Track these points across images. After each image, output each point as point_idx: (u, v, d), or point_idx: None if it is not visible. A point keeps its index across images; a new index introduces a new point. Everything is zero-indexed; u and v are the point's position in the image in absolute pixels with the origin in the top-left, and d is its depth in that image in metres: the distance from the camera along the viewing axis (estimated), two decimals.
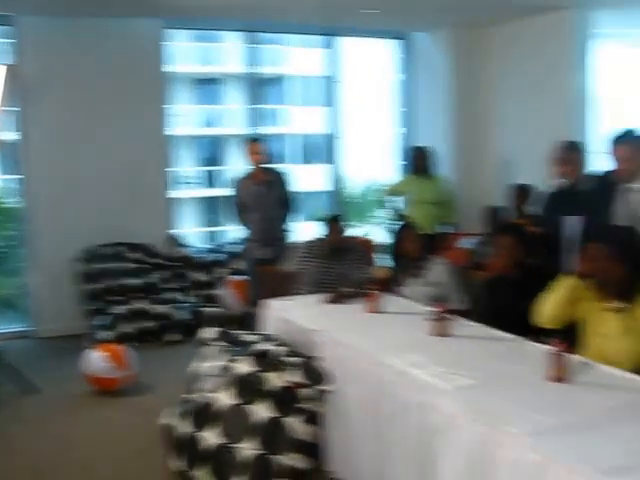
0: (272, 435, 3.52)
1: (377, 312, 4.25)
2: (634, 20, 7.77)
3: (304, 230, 7.07)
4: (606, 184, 4.26)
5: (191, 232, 12.15)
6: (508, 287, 4.09)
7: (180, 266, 7.28)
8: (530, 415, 2.61)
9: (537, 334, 3.55)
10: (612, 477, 2.13)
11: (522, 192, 6.48)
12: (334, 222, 5.14)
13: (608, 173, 4.30)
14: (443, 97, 8.15)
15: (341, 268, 4.87)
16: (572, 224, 4.40)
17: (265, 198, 6.30)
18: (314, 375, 3.66)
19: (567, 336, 3.33)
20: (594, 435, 2.45)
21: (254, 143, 6.44)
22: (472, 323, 3.93)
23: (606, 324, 3.28)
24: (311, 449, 3.63)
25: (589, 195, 4.43)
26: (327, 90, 8.44)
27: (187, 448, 3.67)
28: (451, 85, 8.08)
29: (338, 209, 8.05)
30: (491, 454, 2.51)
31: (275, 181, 6.40)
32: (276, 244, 6.27)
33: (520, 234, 4.24)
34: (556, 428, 2.50)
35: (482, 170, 8.04)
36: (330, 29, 8.04)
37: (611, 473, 2.15)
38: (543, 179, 5.45)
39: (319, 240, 5.19)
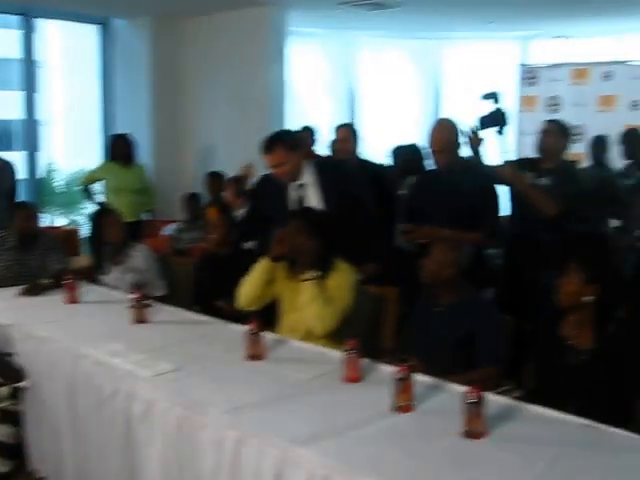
0: None
1: (76, 302, 4.11)
2: (325, 21, 8.32)
3: None
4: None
5: None
6: (215, 269, 4.22)
7: None
8: (229, 394, 2.69)
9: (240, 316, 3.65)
10: (305, 445, 2.27)
11: (216, 179, 6.63)
12: (22, 209, 4.82)
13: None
14: (143, 85, 8.03)
15: (34, 259, 4.59)
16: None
17: None
18: (9, 372, 3.45)
19: (267, 316, 3.51)
20: (289, 407, 2.59)
21: None
22: (171, 308, 3.96)
23: (300, 296, 3.48)
24: (11, 450, 3.46)
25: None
26: (25, 74, 7.92)
27: None
28: (151, 74, 7.99)
29: (37, 198, 7.63)
30: (193, 436, 2.56)
31: None
32: None
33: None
34: (253, 404, 2.60)
35: (183, 158, 8.12)
36: (26, 9, 7.55)
37: (305, 441, 2.29)
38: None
39: (6, 230, 4.80)
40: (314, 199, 4.01)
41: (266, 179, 4.24)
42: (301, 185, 4.03)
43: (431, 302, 3.44)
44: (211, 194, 6.62)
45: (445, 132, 4.02)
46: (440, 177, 4.10)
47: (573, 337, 2.90)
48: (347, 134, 5.38)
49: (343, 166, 4.64)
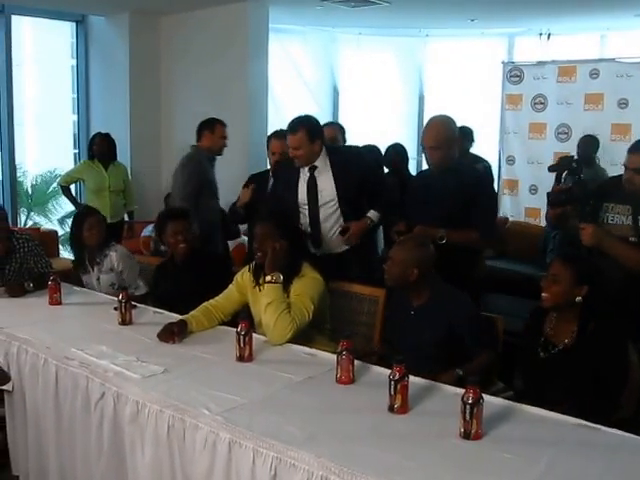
0: None
1: (59, 304, 4.04)
2: (307, 17, 8.28)
3: None
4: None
5: None
6: (175, 271, 4.16)
7: None
8: (220, 396, 2.65)
9: None
10: (302, 446, 2.24)
11: None
12: None
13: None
14: (121, 84, 7.88)
15: (14, 262, 4.49)
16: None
17: None
18: None
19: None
20: (282, 409, 2.56)
21: None
22: (155, 309, 3.90)
23: (263, 299, 3.38)
24: None
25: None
26: (5, 73, 7.75)
27: None
28: (129, 72, 7.83)
29: (11, 199, 7.51)
30: (185, 439, 2.53)
31: None
32: None
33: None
34: (246, 405, 2.57)
35: (162, 158, 7.99)
36: (1, 6, 7.39)
37: (301, 443, 2.27)
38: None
39: None
40: (328, 183, 4.08)
41: (281, 165, 4.47)
42: (314, 167, 4.09)
43: (406, 305, 3.35)
44: None
45: (441, 129, 3.91)
46: (433, 176, 4.01)
47: (553, 334, 2.94)
48: (334, 133, 5.36)
49: (356, 150, 4.68)
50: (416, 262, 3.23)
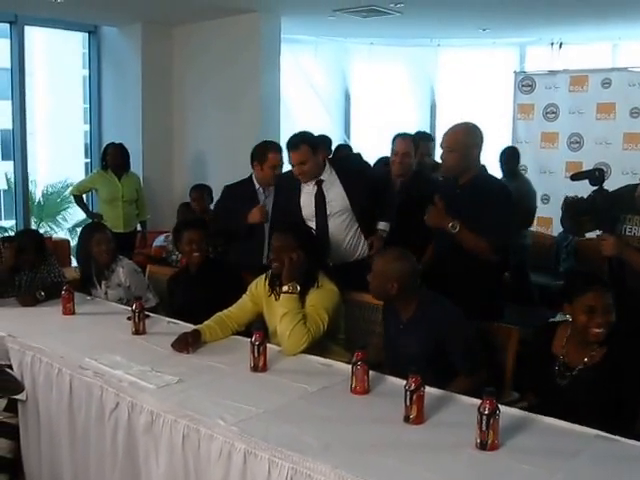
0: None
1: (72, 314, 4.05)
2: (319, 28, 8.30)
3: None
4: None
5: None
6: (189, 281, 4.17)
7: None
8: (235, 406, 2.64)
9: None
10: (318, 457, 2.23)
11: (202, 192, 6.44)
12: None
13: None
14: (133, 94, 7.92)
15: (29, 273, 4.49)
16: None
17: None
18: (6, 384, 3.40)
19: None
20: (298, 419, 2.55)
21: None
22: (169, 319, 3.90)
23: (279, 309, 3.37)
24: (8, 464, 3.40)
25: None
26: (13, 82, 7.82)
27: None
28: (142, 82, 7.86)
29: (23, 209, 7.54)
30: (200, 449, 2.53)
31: None
32: None
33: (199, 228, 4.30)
34: (261, 416, 2.56)
35: (174, 168, 8.04)
36: (14, 17, 7.46)
37: (317, 453, 2.26)
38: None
39: None
40: (338, 193, 4.12)
41: (282, 178, 4.42)
42: (321, 181, 4.12)
43: (397, 318, 3.29)
44: (199, 208, 6.35)
45: (460, 133, 3.81)
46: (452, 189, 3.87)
47: (565, 354, 2.88)
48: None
49: (361, 158, 4.81)
50: (395, 275, 3.15)
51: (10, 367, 3.49)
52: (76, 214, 8.64)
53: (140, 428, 2.77)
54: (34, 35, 8.61)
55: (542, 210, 7.64)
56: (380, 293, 3.27)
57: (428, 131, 9.37)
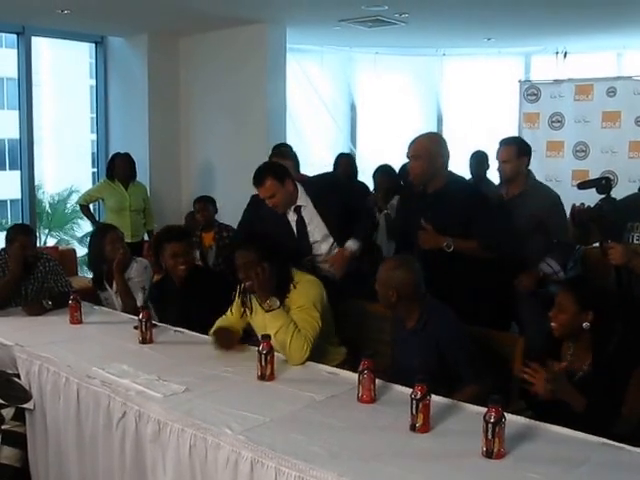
0: None
1: (80, 323, 4.07)
2: (325, 38, 8.33)
3: None
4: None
5: None
6: (178, 295, 4.13)
7: None
8: (242, 415, 2.65)
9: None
10: (325, 466, 2.23)
11: (205, 203, 6.45)
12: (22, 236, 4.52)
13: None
14: (140, 104, 7.95)
15: (36, 282, 4.51)
16: None
17: None
18: (13, 393, 3.40)
19: None
20: (305, 428, 2.55)
21: None
22: (174, 328, 3.90)
23: (269, 330, 3.31)
24: (15, 473, 3.41)
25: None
26: (20, 92, 7.86)
27: None
28: (148, 92, 7.90)
29: (30, 218, 7.56)
30: (207, 457, 2.53)
31: None
32: None
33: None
34: (268, 425, 2.57)
35: (181, 178, 8.07)
36: (21, 28, 7.52)
37: (324, 462, 2.26)
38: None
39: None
40: (315, 219, 4.09)
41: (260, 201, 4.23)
42: (298, 207, 4.10)
43: (403, 326, 3.31)
44: (203, 219, 6.32)
45: (424, 141, 3.90)
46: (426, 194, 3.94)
47: (572, 362, 2.90)
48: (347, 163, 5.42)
49: (333, 179, 4.75)
50: (394, 283, 3.17)
51: (18, 376, 3.50)
52: (84, 225, 8.65)
53: (147, 437, 2.77)
54: (41, 46, 8.65)
55: None
56: (383, 301, 3.29)
57: None
